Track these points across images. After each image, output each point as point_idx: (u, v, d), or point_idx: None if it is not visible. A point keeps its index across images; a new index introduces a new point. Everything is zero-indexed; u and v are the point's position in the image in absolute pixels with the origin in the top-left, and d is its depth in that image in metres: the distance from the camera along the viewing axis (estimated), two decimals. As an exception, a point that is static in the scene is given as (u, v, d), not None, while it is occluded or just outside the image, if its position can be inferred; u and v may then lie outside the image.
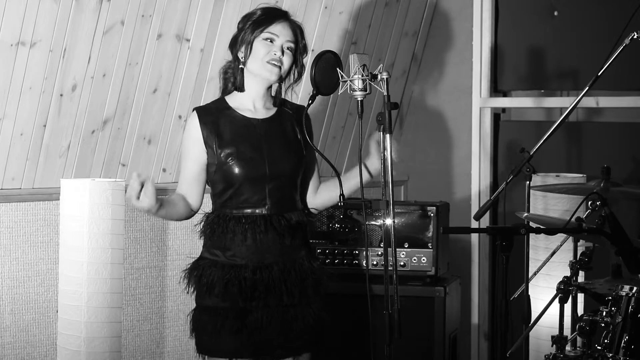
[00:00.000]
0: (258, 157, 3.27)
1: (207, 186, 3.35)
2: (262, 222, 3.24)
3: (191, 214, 3.35)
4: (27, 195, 4.05)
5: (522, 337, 3.94)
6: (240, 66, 3.29)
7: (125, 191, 3.84)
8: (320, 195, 3.45)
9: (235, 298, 3.21)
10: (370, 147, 3.29)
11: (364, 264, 4.18)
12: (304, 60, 3.35)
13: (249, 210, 3.25)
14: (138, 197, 3.08)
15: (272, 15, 3.29)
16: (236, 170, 3.24)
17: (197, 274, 3.28)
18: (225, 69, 3.36)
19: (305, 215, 3.34)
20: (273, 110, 3.35)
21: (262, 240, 3.24)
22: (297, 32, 3.31)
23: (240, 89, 3.31)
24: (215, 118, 3.28)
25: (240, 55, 3.28)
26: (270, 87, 3.33)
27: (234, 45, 3.32)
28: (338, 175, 3.26)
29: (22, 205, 4.05)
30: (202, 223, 3.32)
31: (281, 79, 3.30)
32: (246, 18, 3.31)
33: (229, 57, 3.34)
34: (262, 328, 3.22)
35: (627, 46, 3.59)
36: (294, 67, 3.32)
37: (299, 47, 3.31)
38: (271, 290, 3.23)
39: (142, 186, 3.08)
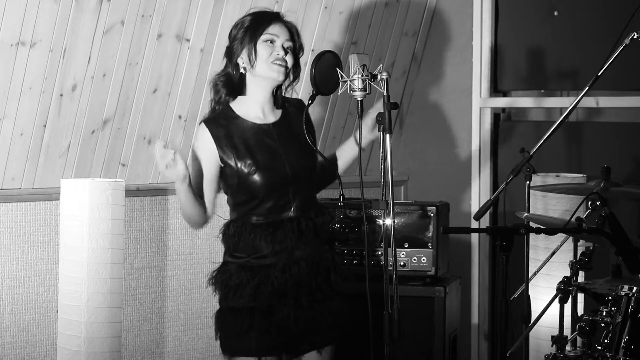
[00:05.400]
0: (278, 163, 3.25)
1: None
2: (290, 225, 3.22)
3: (205, 218, 3.28)
4: (27, 195, 4.05)
5: (522, 337, 3.94)
6: (240, 72, 3.27)
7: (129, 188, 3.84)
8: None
9: (265, 298, 3.19)
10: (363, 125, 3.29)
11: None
12: (300, 59, 3.35)
13: (276, 216, 3.23)
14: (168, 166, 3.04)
15: (267, 18, 3.28)
16: (259, 181, 3.21)
17: (224, 278, 3.24)
18: (215, 82, 3.33)
19: (327, 213, 3.32)
20: (279, 112, 3.35)
21: (291, 242, 3.22)
22: (293, 31, 3.31)
23: (241, 92, 3.29)
24: (227, 129, 3.25)
25: (241, 61, 3.26)
26: (274, 90, 3.31)
27: (231, 54, 3.29)
28: (338, 176, 3.27)
29: (22, 205, 4.05)
30: (226, 231, 3.28)
31: (286, 78, 3.29)
32: (239, 26, 3.29)
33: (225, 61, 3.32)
34: (290, 325, 3.21)
35: (627, 46, 3.59)
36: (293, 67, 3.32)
37: (296, 46, 3.31)
38: (302, 287, 3.22)
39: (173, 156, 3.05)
